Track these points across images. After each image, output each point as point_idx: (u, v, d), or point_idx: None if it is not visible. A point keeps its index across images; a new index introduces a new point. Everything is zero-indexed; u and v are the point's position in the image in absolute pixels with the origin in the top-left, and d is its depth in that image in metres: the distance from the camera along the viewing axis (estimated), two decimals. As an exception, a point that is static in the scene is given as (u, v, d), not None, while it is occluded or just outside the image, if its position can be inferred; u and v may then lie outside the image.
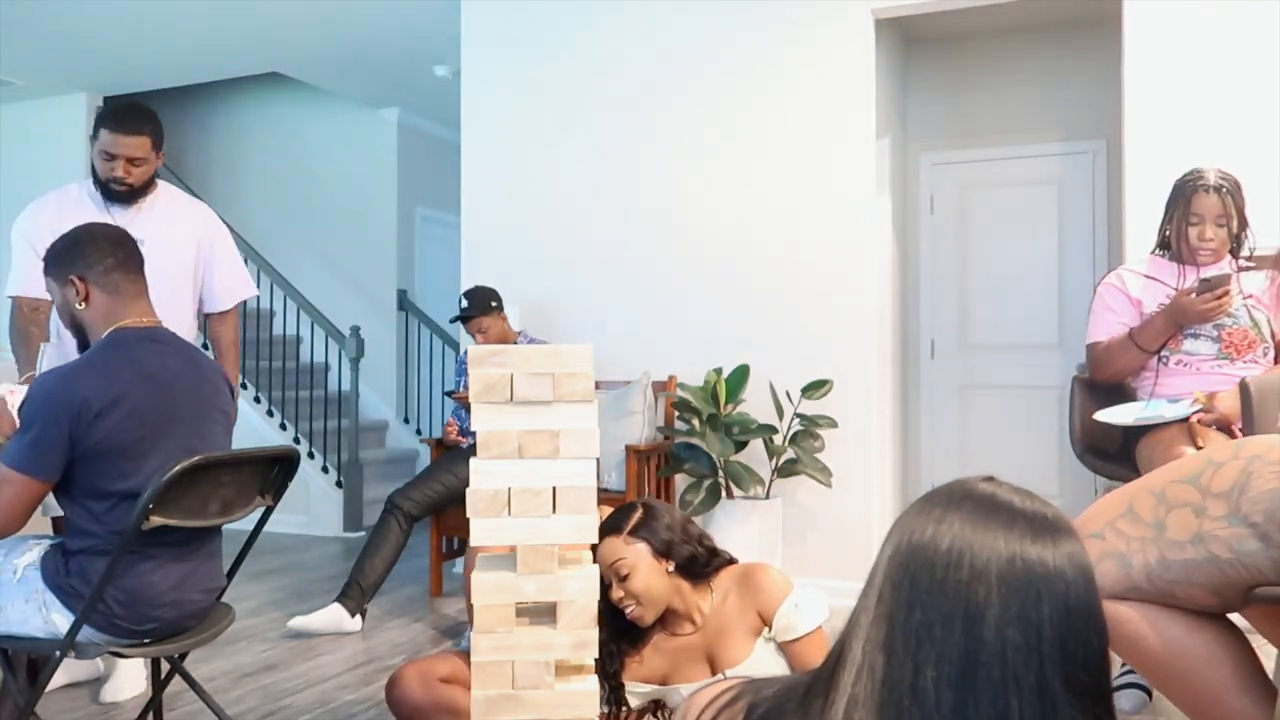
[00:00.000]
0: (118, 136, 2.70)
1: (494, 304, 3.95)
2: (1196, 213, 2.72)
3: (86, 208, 2.79)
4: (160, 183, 2.93)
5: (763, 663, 2.12)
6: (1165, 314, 2.61)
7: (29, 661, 2.27)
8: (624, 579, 2.08)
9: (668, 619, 2.17)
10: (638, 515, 2.15)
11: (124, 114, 2.72)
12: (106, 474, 1.91)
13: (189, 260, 2.89)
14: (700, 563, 2.16)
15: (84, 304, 2.04)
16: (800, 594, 2.12)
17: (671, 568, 2.12)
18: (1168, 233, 2.82)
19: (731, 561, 2.23)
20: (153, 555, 1.95)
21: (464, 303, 3.95)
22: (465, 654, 2.35)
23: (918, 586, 0.89)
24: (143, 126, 2.72)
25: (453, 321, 4.00)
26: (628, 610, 2.09)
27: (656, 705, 2.24)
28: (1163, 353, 2.69)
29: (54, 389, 1.87)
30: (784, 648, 2.11)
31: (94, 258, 2.04)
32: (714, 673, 2.13)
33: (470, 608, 2.33)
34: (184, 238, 2.87)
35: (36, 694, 1.98)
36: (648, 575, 2.08)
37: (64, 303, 2.07)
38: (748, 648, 2.12)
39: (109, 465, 1.90)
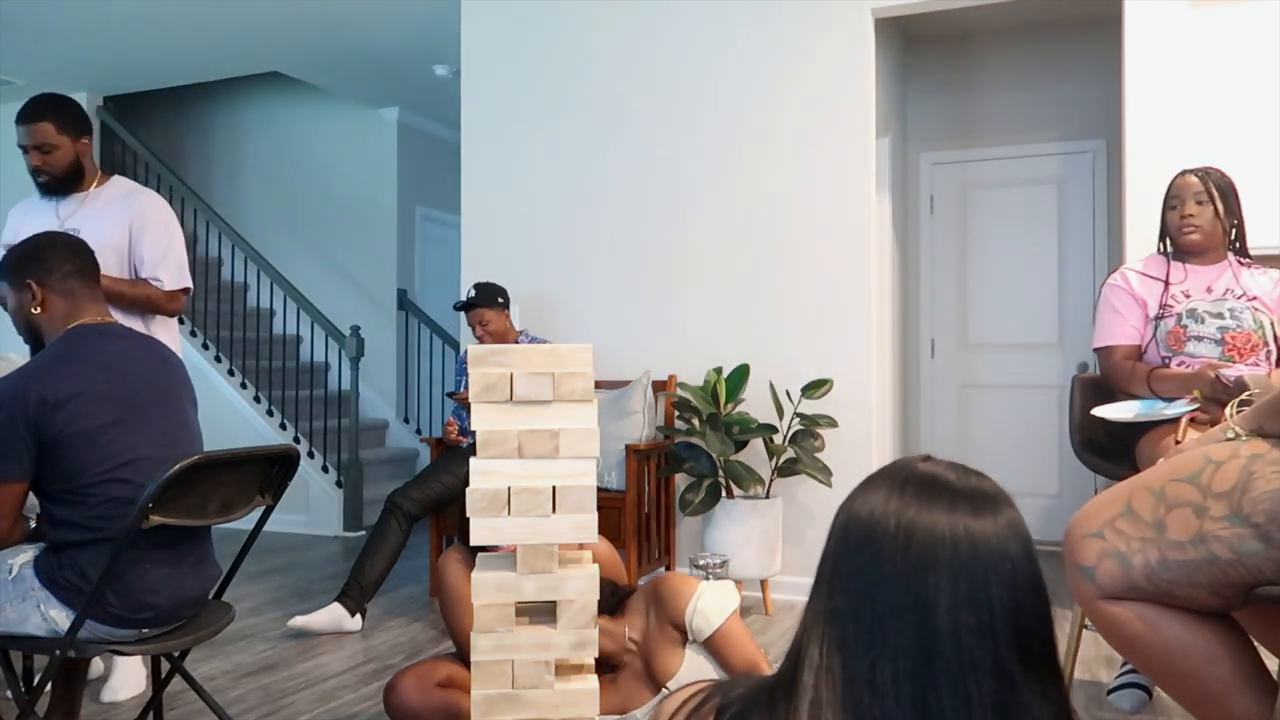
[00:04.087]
0: (21, 127, 2.79)
1: (500, 299, 3.95)
2: (1175, 195, 2.73)
3: (37, 208, 2.92)
4: (116, 177, 2.98)
5: (699, 666, 2.19)
6: (1190, 376, 2.57)
7: (66, 662, 2.28)
8: None
9: (606, 662, 2.24)
10: None
11: (27, 105, 2.80)
12: (77, 462, 1.93)
13: (120, 242, 2.87)
14: (617, 595, 2.28)
15: (39, 309, 2.10)
16: (705, 593, 2.19)
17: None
18: (1161, 230, 2.83)
19: (632, 590, 2.33)
20: (146, 550, 1.96)
21: (471, 291, 3.95)
22: (461, 658, 2.36)
23: (866, 579, 0.89)
24: (43, 113, 2.78)
25: (457, 308, 3.99)
26: None
27: None
28: (1164, 355, 2.68)
29: (7, 392, 1.91)
30: (705, 647, 2.20)
31: (53, 264, 2.11)
32: (658, 690, 2.20)
33: (449, 626, 2.34)
34: (116, 221, 2.87)
35: (36, 694, 1.98)
36: None
37: (18, 307, 2.13)
38: (678, 658, 2.19)
39: (78, 453, 1.92)
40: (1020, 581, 0.87)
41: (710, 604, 2.16)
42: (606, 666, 2.25)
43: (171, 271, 2.90)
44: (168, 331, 2.97)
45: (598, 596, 1.57)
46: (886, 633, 0.87)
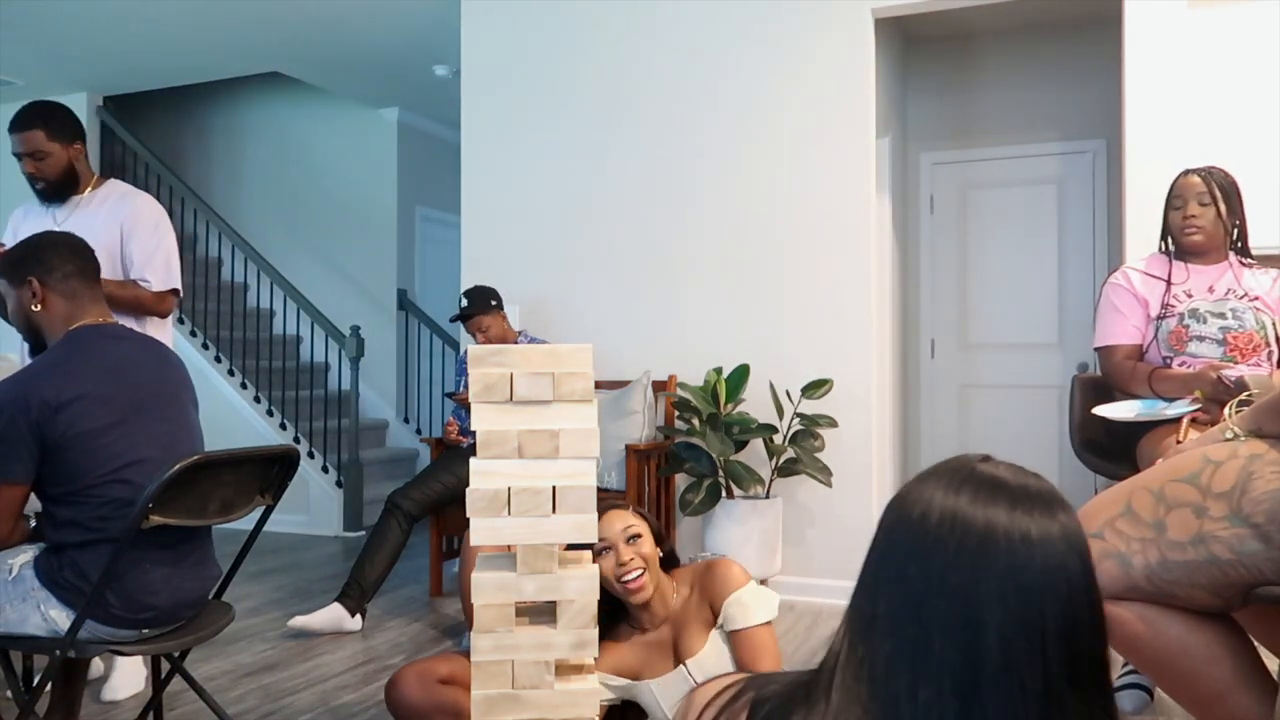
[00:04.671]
0: (14, 136, 2.79)
1: (494, 302, 3.95)
2: (1179, 195, 2.73)
3: (36, 213, 2.93)
4: (111, 180, 2.98)
5: (718, 653, 2.18)
6: (1191, 377, 2.56)
7: (66, 662, 2.28)
8: (636, 539, 2.17)
9: (641, 613, 2.24)
10: (633, 507, 2.31)
11: (18, 114, 2.80)
12: (79, 464, 1.93)
13: (112, 244, 2.85)
14: (674, 557, 2.33)
15: (39, 307, 2.10)
16: (752, 589, 2.18)
17: (661, 554, 2.26)
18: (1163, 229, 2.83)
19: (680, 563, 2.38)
20: (147, 550, 1.96)
21: (464, 301, 3.95)
22: (465, 654, 2.36)
23: (912, 587, 0.84)
24: (33, 121, 2.78)
25: (453, 320, 4.01)
26: (632, 578, 2.14)
27: (624, 706, 2.28)
28: (1166, 355, 2.68)
29: (9, 394, 1.91)
30: (728, 637, 2.17)
31: (54, 263, 2.11)
32: (675, 665, 2.19)
33: (467, 610, 2.35)
34: (107, 223, 2.87)
35: (36, 694, 1.98)
36: (652, 547, 2.20)
37: (18, 305, 2.13)
38: (703, 640, 2.19)
39: (80, 455, 1.92)
40: (1076, 599, 0.82)
41: (752, 600, 2.15)
42: (637, 625, 2.25)
43: (159, 272, 2.89)
44: (163, 334, 2.96)
45: (596, 598, 1.57)
46: (932, 649, 0.82)
